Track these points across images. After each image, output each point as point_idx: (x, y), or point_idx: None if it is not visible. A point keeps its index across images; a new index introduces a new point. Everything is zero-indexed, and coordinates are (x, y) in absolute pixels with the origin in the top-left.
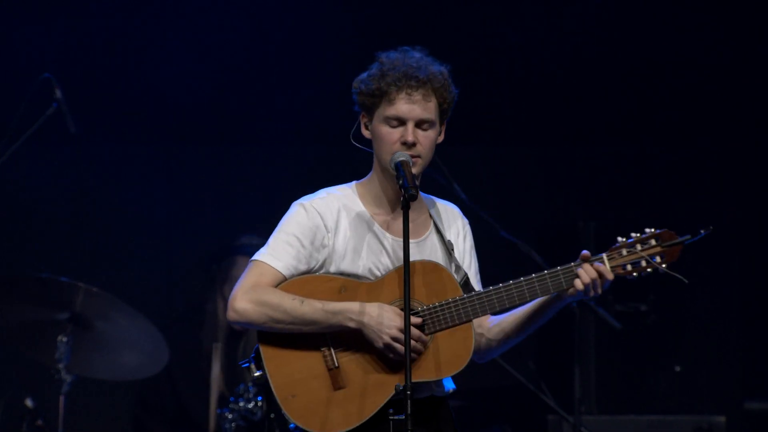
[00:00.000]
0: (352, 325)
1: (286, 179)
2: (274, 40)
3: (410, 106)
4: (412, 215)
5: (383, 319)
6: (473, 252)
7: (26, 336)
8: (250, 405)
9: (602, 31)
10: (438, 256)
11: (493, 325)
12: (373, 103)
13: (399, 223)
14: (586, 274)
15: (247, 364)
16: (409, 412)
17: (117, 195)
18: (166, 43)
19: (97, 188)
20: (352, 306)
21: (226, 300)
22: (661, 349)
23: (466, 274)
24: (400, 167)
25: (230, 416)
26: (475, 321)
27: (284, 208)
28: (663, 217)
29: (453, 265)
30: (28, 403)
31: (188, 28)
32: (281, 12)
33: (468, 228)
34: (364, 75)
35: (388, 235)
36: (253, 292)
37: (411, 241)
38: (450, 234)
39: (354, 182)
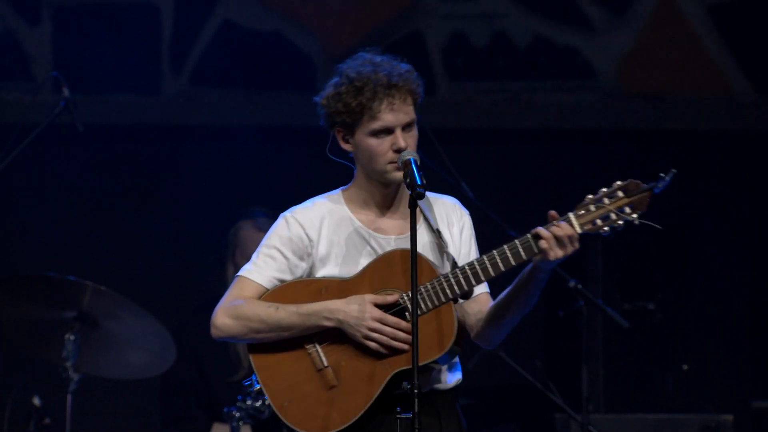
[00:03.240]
0: (328, 324)
1: (294, 174)
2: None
3: (394, 114)
4: (399, 211)
5: (357, 312)
6: (473, 241)
7: (33, 335)
8: (258, 404)
9: None
10: (425, 249)
11: (490, 307)
12: (354, 120)
13: (385, 222)
14: (546, 232)
15: (248, 382)
16: (416, 410)
17: (124, 193)
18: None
19: (105, 186)
20: (326, 305)
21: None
22: (669, 348)
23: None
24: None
25: (237, 415)
26: (475, 306)
27: (291, 204)
28: (668, 216)
29: (444, 255)
30: (36, 401)
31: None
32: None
33: (466, 219)
34: (330, 91)
35: (375, 234)
36: (231, 307)
37: (396, 236)
38: (443, 226)
39: (340, 188)
